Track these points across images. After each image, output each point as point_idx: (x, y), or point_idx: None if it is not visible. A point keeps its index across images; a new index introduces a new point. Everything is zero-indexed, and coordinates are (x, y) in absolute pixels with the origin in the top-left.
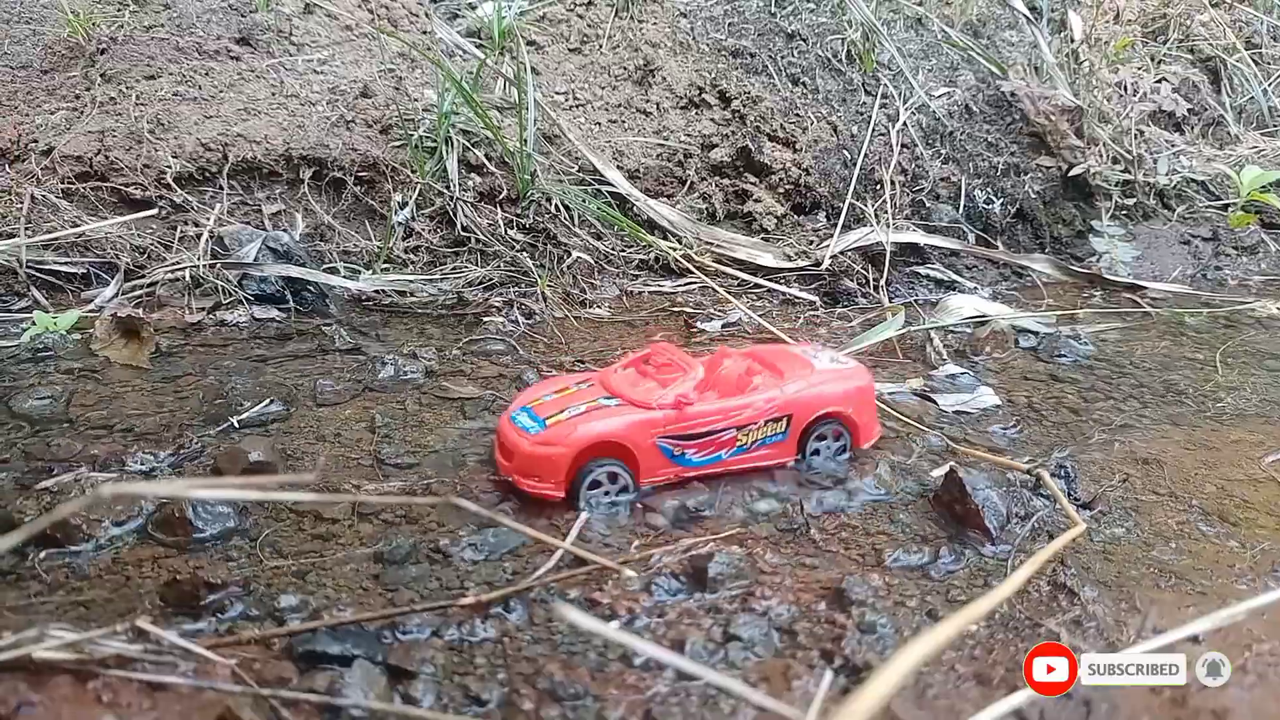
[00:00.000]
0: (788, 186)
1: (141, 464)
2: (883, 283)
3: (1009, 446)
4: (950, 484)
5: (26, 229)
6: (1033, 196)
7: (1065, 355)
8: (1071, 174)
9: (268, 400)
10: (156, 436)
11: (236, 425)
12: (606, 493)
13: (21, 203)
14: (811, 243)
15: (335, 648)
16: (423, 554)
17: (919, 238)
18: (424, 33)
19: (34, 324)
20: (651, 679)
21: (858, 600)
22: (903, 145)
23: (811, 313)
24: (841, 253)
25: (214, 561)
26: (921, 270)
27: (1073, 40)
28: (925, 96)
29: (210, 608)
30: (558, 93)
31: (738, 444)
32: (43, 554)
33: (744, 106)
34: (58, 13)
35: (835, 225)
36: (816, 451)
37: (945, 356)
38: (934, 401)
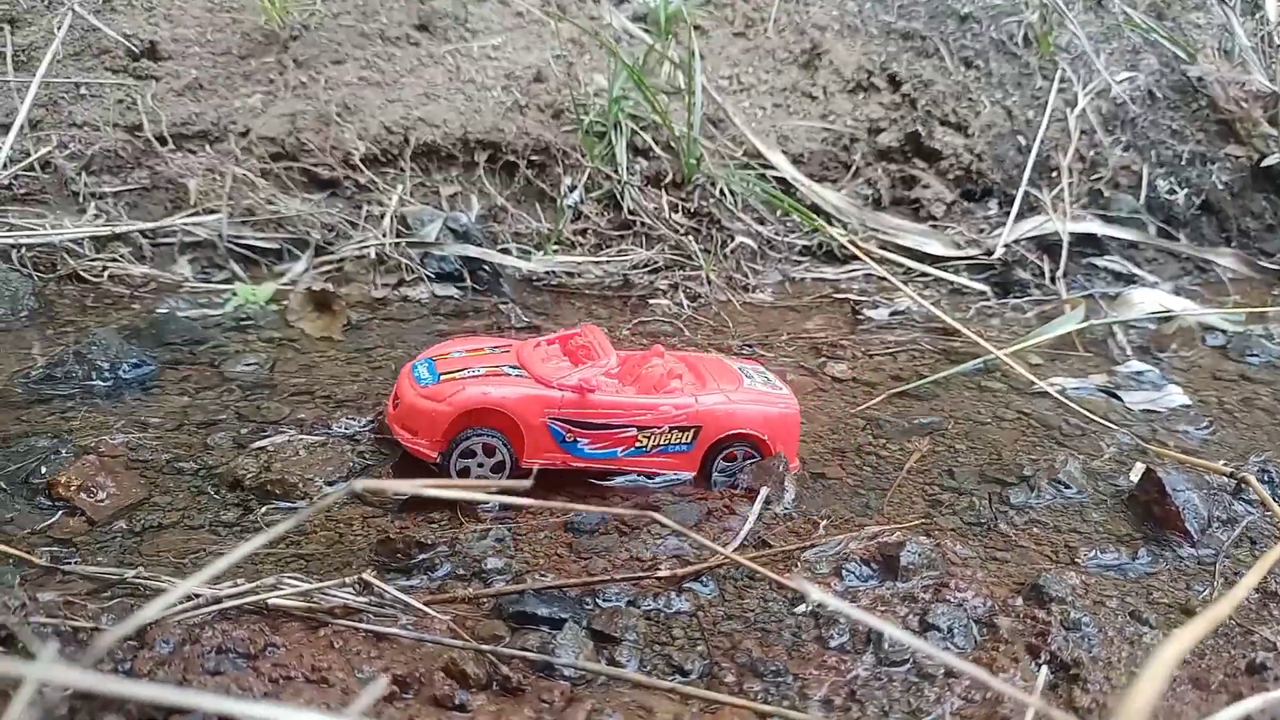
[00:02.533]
0: (958, 172)
1: (345, 428)
2: (1059, 274)
3: (1201, 448)
4: (1148, 484)
5: (230, 205)
6: (1220, 187)
7: (1256, 355)
8: (1264, 164)
9: None
10: (356, 404)
11: None
12: (480, 464)
13: (224, 182)
14: (982, 231)
15: (544, 610)
16: (611, 526)
17: (1097, 228)
18: (591, 18)
19: (235, 295)
20: (851, 662)
21: (1057, 597)
22: (1081, 131)
23: (983, 303)
24: (1015, 242)
25: (418, 523)
26: (1099, 262)
27: (1269, 22)
28: (1110, 80)
29: (421, 566)
30: (722, 77)
31: (636, 444)
32: (263, 509)
33: (914, 90)
34: (255, 1)
35: (1007, 213)
36: (722, 470)
37: (1129, 353)
38: (1119, 399)
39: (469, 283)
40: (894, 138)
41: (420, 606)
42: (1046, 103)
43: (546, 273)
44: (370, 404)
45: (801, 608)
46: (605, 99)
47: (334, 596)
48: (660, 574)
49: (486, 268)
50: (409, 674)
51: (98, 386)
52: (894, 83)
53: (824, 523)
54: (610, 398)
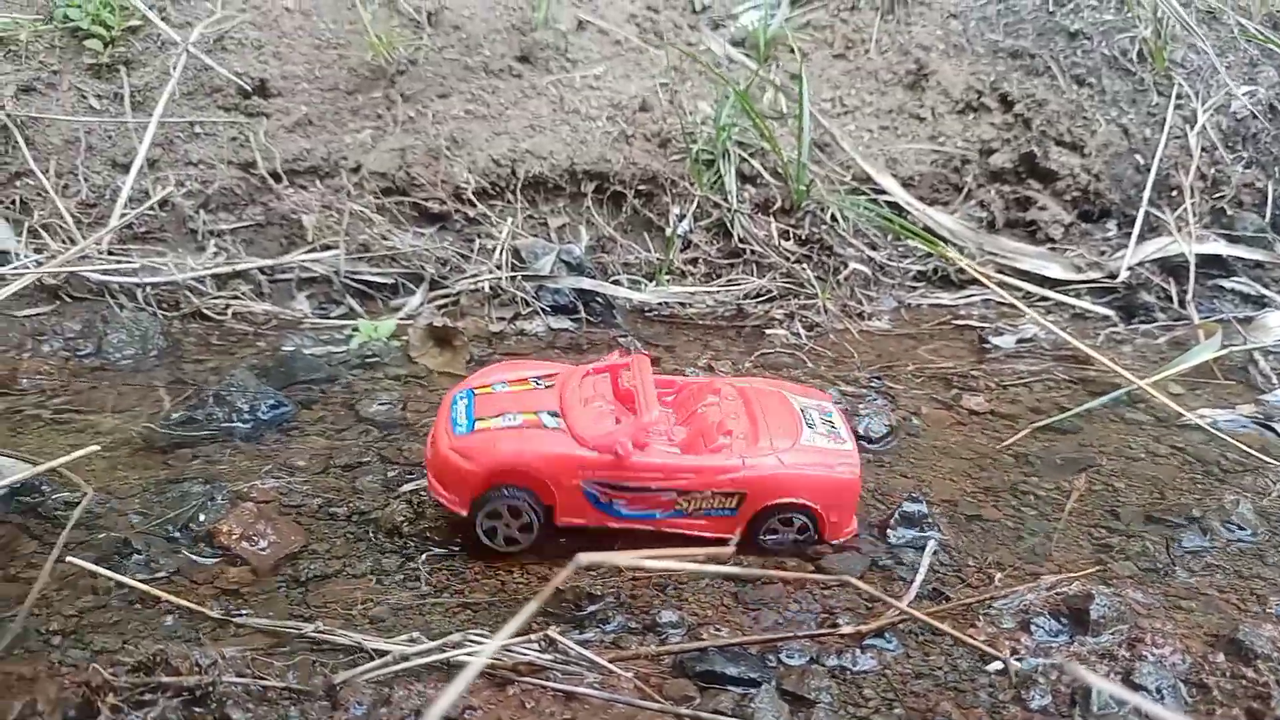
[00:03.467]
0: (1075, 193)
1: None
2: (1189, 297)
3: None
4: None
5: (346, 240)
6: None
7: None
8: None
9: None
10: None
11: None
12: (508, 525)
13: (341, 218)
14: (1103, 253)
15: (732, 669)
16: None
17: (1222, 248)
18: (689, 44)
19: (358, 331)
20: None
21: (1261, 654)
22: (1201, 149)
23: (1111, 329)
24: (1139, 264)
25: (580, 571)
26: (1226, 284)
27: None
28: (1234, 94)
29: (594, 618)
30: (824, 100)
31: (676, 507)
32: (423, 556)
33: (1028, 110)
34: (362, 37)
35: (1126, 234)
36: (772, 533)
37: (1275, 380)
38: (1275, 431)
39: (583, 314)
40: (1007, 158)
41: (606, 664)
42: (1164, 120)
43: (659, 303)
44: None
45: (994, 666)
46: (711, 126)
47: (519, 653)
48: (843, 631)
49: (599, 299)
50: None
51: (238, 429)
52: (1005, 102)
53: (999, 574)
54: (650, 459)
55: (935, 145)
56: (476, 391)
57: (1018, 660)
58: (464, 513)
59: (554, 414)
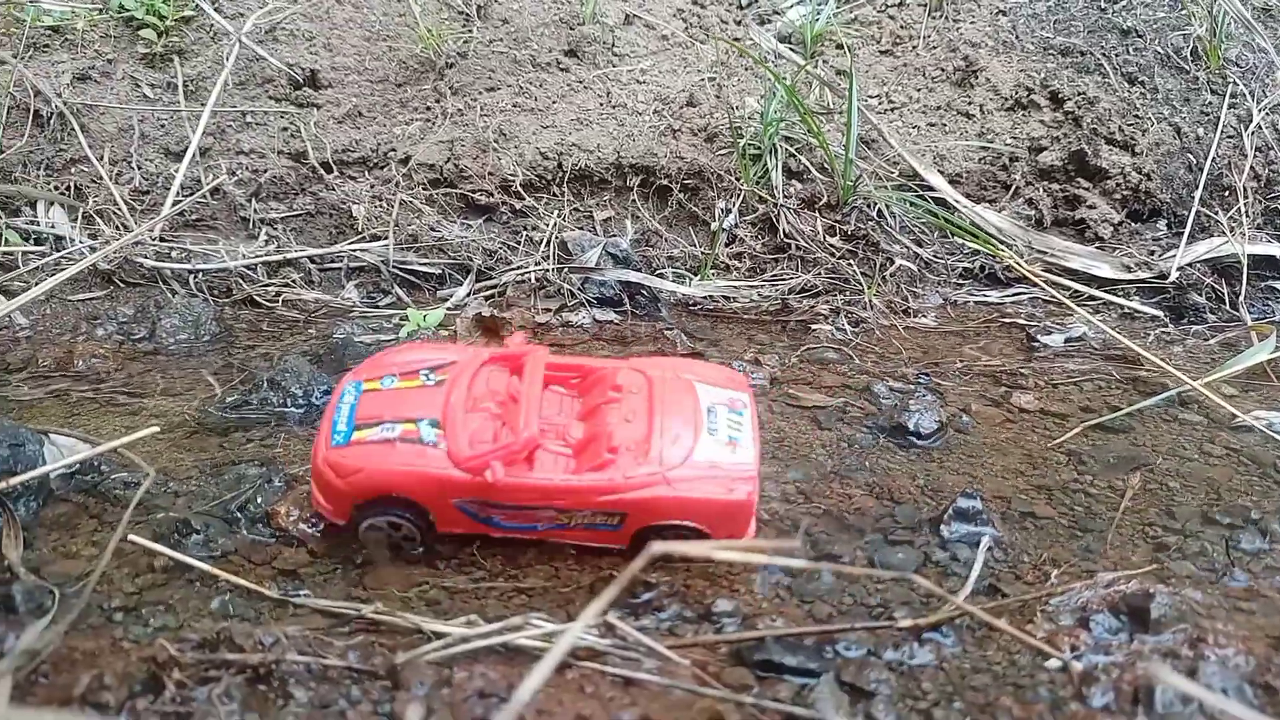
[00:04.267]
0: (1125, 192)
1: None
2: (1241, 298)
3: None
4: None
5: (395, 230)
6: None
7: None
8: None
9: None
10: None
11: None
12: (390, 535)
13: (391, 208)
14: (1153, 253)
15: (790, 659)
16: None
17: (1275, 249)
18: (735, 39)
19: (408, 320)
20: None
21: None
22: (1256, 148)
23: (1161, 329)
24: (1189, 264)
25: (632, 559)
26: (1278, 285)
27: None
28: None
29: (648, 606)
30: (871, 96)
31: (557, 521)
32: (476, 542)
33: (1078, 108)
34: (411, 30)
35: (1176, 234)
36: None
37: None
38: None
39: (628, 307)
40: (1057, 156)
41: (665, 651)
42: (1217, 119)
43: (704, 297)
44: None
45: (1053, 663)
46: (758, 122)
47: (578, 638)
48: (901, 624)
49: (645, 292)
50: None
51: (291, 413)
52: (1056, 100)
53: (1055, 571)
54: (525, 479)
55: (983, 142)
56: (365, 387)
57: (1077, 658)
58: (343, 522)
59: (434, 424)
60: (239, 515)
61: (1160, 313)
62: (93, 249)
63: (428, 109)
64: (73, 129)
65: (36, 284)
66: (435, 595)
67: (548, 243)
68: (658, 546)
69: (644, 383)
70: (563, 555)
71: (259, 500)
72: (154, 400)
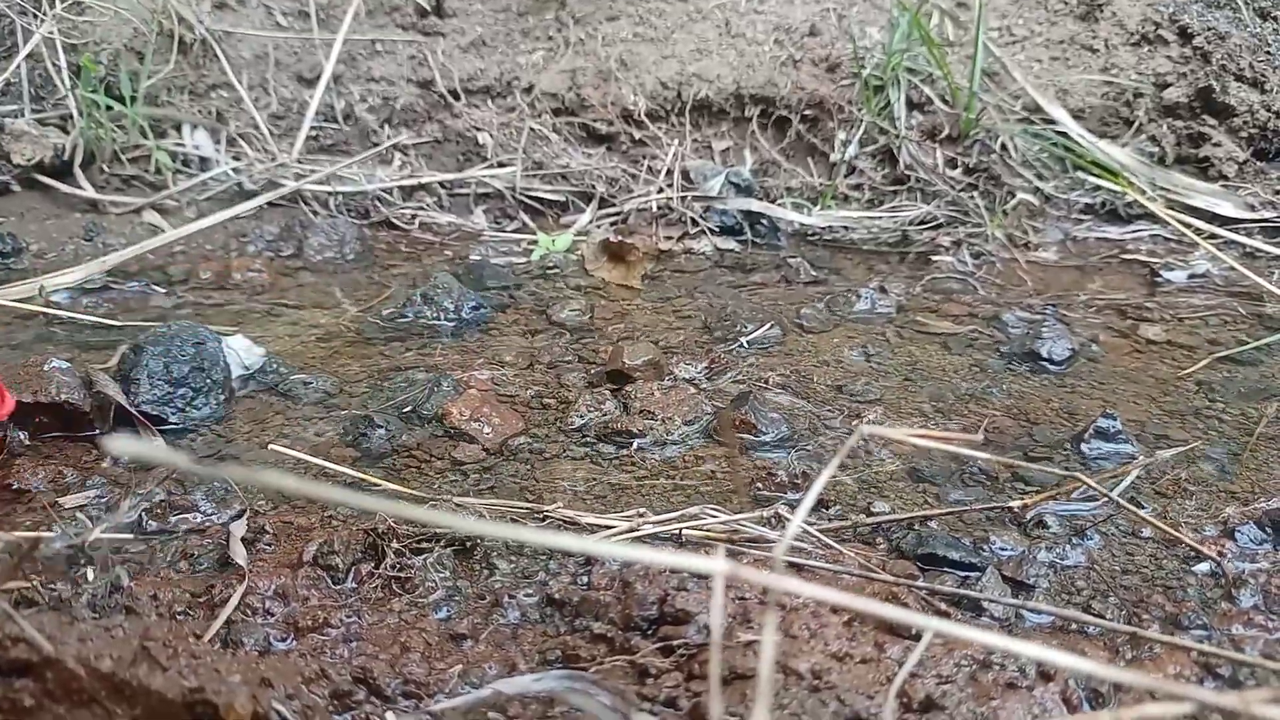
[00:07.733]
0: (1252, 130)
1: (685, 373)
2: None
3: None
4: None
5: (521, 158)
6: None
7: None
8: None
9: (769, 324)
10: (684, 350)
11: (746, 345)
12: None
13: (519, 136)
14: (1278, 192)
15: (954, 554)
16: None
17: None
18: None
19: (537, 244)
20: (1276, 623)
21: None
22: None
23: None
24: None
25: (778, 463)
26: None
27: None
28: None
29: (815, 505)
30: (991, 29)
31: None
32: (634, 444)
33: (1207, 43)
34: None
35: None
36: None
37: None
38: None
39: (749, 235)
40: (1182, 93)
41: (834, 544)
42: None
43: (824, 227)
44: (704, 350)
45: (1200, 567)
46: (880, 52)
47: (750, 529)
48: (1011, 504)
49: (764, 221)
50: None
51: (443, 326)
52: (1184, 35)
53: (1194, 487)
54: None
55: (1108, 77)
56: None
57: (1225, 560)
58: None
59: None
60: (414, 415)
61: None
62: (236, 170)
63: (550, 38)
64: (215, 55)
65: (187, 203)
66: (601, 490)
67: (668, 171)
68: (866, 428)
69: None
70: (715, 458)
71: (431, 401)
72: (309, 312)
